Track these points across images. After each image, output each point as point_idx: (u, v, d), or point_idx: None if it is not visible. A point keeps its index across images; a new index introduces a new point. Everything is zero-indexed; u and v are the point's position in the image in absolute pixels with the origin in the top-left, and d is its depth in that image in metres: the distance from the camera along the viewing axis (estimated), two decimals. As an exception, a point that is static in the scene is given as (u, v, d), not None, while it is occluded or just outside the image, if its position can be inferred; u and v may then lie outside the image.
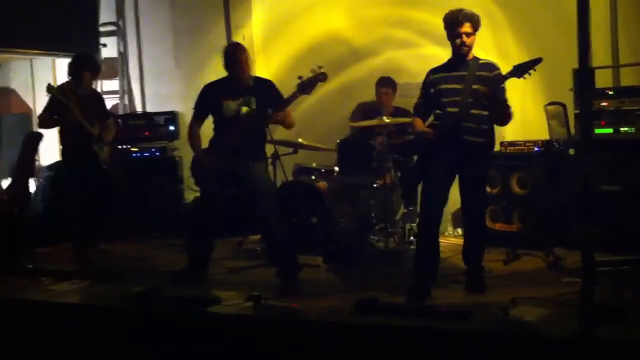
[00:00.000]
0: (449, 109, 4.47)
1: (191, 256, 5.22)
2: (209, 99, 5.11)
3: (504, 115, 4.49)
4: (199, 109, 5.19)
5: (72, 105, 5.77)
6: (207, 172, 5.03)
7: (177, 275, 5.18)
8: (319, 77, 4.78)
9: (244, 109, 4.97)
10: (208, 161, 4.99)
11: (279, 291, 4.69)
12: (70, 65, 6.05)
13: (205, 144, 5.16)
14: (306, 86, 4.79)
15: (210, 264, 5.28)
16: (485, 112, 4.47)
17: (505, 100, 4.47)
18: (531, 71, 4.24)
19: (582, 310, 3.52)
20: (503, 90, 4.47)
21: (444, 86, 4.52)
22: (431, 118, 4.69)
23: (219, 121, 5.10)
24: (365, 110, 6.55)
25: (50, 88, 5.83)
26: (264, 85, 5.13)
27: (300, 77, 4.80)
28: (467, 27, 4.41)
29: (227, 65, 5.05)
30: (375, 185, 5.86)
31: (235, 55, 5.02)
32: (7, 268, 5.65)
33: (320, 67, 4.78)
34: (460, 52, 4.48)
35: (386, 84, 6.48)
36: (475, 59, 4.52)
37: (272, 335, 4.09)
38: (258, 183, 4.99)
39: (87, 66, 6.05)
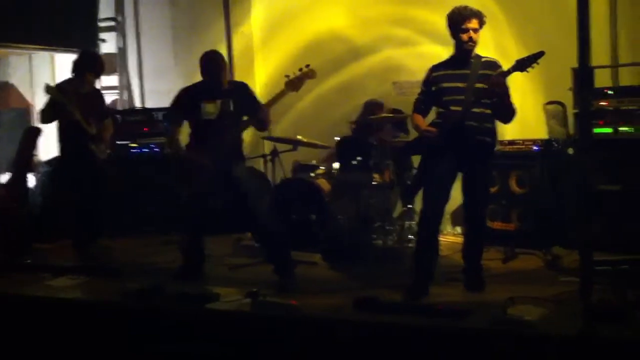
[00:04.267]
0: (452, 108, 4.46)
1: (185, 254, 5.26)
2: (187, 102, 5.11)
3: (507, 112, 4.49)
4: (175, 112, 5.19)
5: (70, 104, 5.76)
6: (190, 172, 5.03)
7: (175, 273, 5.19)
8: (308, 74, 4.86)
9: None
10: (198, 158, 4.98)
11: (278, 288, 4.69)
12: (75, 64, 6.02)
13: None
14: (294, 83, 4.84)
15: (204, 260, 5.30)
16: (489, 111, 4.47)
17: (509, 97, 4.47)
18: (534, 65, 4.23)
19: (580, 310, 3.53)
20: (506, 87, 4.46)
21: (446, 84, 4.51)
22: (433, 116, 4.69)
23: (196, 125, 5.10)
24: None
25: (48, 89, 5.81)
26: (240, 88, 5.17)
27: (287, 76, 4.86)
28: (474, 23, 4.40)
29: (206, 73, 5.05)
30: (374, 183, 5.87)
31: (215, 63, 5.03)
32: (6, 263, 5.65)
33: (307, 66, 4.83)
34: (466, 49, 4.45)
35: (372, 111, 6.21)
36: (478, 56, 4.51)
37: (271, 332, 4.09)
38: (245, 183, 5.03)
39: (91, 67, 6.02)
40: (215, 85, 5.03)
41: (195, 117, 5.06)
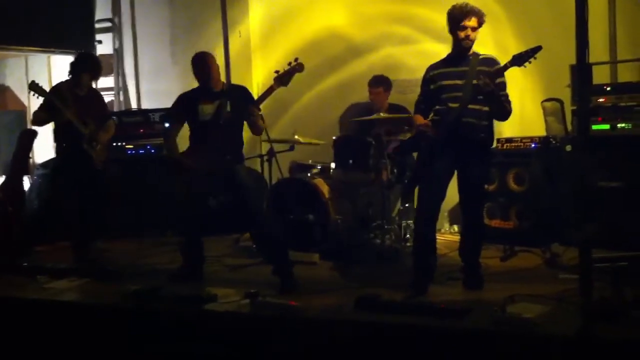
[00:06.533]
0: (450, 105, 4.45)
1: (184, 255, 5.25)
2: (185, 105, 5.15)
3: (504, 109, 4.47)
4: (174, 116, 5.24)
5: (61, 105, 5.73)
6: (185, 175, 5.03)
7: (174, 274, 5.18)
8: (296, 68, 4.81)
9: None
10: (191, 164, 4.99)
11: (279, 289, 4.68)
12: (72, 65, 6.02)
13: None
14: (283, 78, 4.81)
15: (204, 261, 5.29)
16: (486, 108, 4.45)
17: (506, 95, 4.45)
18: (531, 60, 4.21)
19: (580, 307, 3.51)
20: (504, 84, 4.45)
21: (444, 82, 4.50)
22: (431, 114, 4.67)
23: (195, 127, 5.12)
24: (358, 111, 6.51)
25: (33, 86, 5.80)
26: (238, 91, 5.19)
27: (277, 72, 4.83)
28: (473, 21, 4.40)
29: (197, 74, 5.09)
30: (371, 182, 5.84)
31: (203, 63, 5.06)
32: (3, 266, 5.63)
33: (296, 60, 4.79)
34: (463, 46, 4.45)
35: (376, 83, 6.41)
36: (476, 54, 4.51)
37: (270, 332, 4.08)
38: (245, 183, 5.03)
39: (86, 68, 6.01)
40: (208, 84, 5.05)
41: (193, 119, 5.09)
